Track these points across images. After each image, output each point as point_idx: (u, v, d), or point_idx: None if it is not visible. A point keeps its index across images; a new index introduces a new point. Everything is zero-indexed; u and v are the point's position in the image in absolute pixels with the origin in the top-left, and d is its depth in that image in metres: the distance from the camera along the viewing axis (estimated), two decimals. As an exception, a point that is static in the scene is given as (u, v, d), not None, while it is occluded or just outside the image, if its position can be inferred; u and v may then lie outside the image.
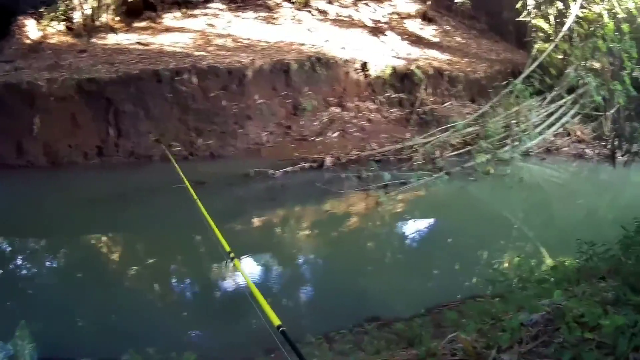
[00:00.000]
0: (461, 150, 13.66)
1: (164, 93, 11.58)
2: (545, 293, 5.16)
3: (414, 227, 11.04)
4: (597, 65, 16.54)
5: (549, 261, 9.03)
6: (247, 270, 6.38)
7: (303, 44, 14.83)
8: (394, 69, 15.56)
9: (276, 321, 3.72)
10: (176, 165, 8.73)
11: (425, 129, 14.38)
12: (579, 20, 15.91)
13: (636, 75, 16.67)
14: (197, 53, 12.87)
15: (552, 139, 15.66)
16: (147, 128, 11.57)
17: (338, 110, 14.34)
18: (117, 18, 14.88)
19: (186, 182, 7.80)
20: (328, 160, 12.18)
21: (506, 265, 9.26)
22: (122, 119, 11.36)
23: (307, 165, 11.88)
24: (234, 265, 5.21)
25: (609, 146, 16.63)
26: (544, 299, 4.75)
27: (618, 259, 5.50)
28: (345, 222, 10.72)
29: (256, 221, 10.49)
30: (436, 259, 9.30)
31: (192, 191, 7.47)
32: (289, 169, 11.48)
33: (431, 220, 11.44)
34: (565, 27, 15.89)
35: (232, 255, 5.23)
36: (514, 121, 14.71)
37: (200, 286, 8.09)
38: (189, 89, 11.67)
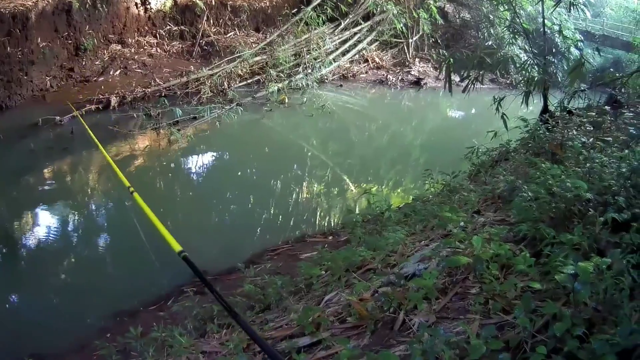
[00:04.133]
0: (250, 80, 15.85)
1: (-50, 45, 11.82)
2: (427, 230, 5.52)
3: (214, 166, 12.20)
4: None
5: (395, 198, 10.10)
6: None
7: (84, -19, 15.55)
8: (175, 1, 17.34)
9: (177, 247, 4.26)
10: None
11: (209, 61, 16.47)
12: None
13: (441, 4, 19.18)
14: (-17, 0, 13.21)
15: (348, 65, 18.34)
16: None
17: (119, 47, 16.05)
18: None
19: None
20: (113, 100, 13.60)
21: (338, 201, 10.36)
22: None
23: (92, 107, 13.21)
24: (134, 197, 5.78)
25: (411, 73, 19.19)
26: (418, 239, 5.19)
27: (490, 190, 5.97)
28: (139, 167, 11.59)
29: (50, 175, 11.14)
30: (246, 198, 10.28)
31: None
32: (75, 113, 12.64)
33: (232, 157, 12.65)
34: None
35: (131, 189, 6.00)
36: (305, 49, 17.09)
37: (5, 244, 8.40)
38: (-25, 39, 11.95)
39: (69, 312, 6.66)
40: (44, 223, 9.04)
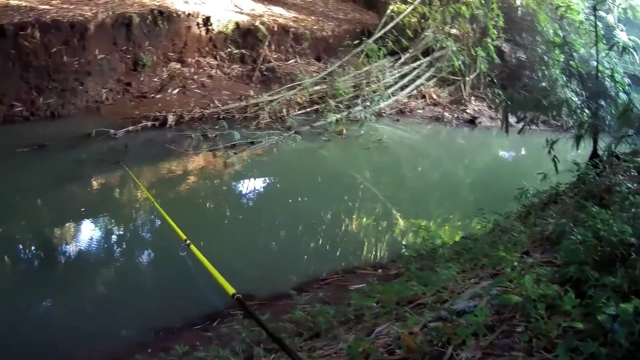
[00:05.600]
0: (308, 109, 15.44)
1: (7, 49, 12.08)
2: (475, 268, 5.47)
3: (267, 191, 11.95)
4: (456, 31, 18.74)
5: (448, 233, 9.84)
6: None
7: (146, -4, 15.55)
8: (237, 24, 17.09)
9: (230, 290, 4.23)
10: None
11: (268, 87, 16.11)
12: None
13: (497, 43, 18.60)
14: (41, 7, 13.38)
15: (406, 100, 17.83)
16: (-12, 87, 11.76)
17: (178, 65, 15.78)
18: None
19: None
20: (170, 118, 13.27)
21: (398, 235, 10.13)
22: (-37, 77, 11.46)
23: (149, 124, 12.87)
24: (191, 250, 5.74)
25: (466, 111, 18.58)
26: (468, 276, 5.14)
27: (540, 232, 5.93)
28: (192, 187, 11.41)
29: (98, 186, 10.95)
30: (296, 226, 10.07)
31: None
32: (130, 128, 12.40)
33: (285, 185, 12.37)
34: (426, -10, 17.51)
35: (188, 242, 5.83)
36: (364, 81, 16.71)
37: (46, 250, 8.34)
38: (31, 44, 12.23)
39: (107, 324, 6.52)
40: (87, 233, 8.92)
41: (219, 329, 5.92)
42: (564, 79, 11.47)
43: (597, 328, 3.12)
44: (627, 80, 11.38)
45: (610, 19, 14.42)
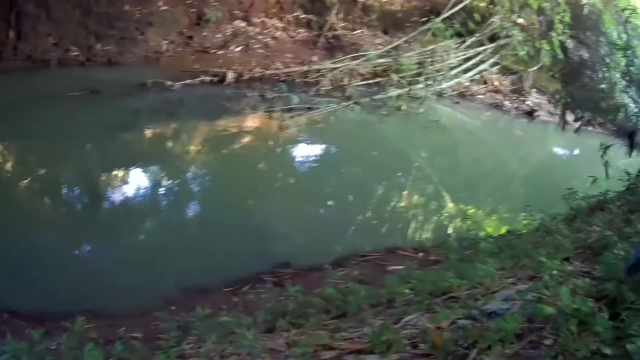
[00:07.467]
0: (370, 81, 14.57)
1: (67, -6, 11.62)
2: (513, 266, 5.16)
3: (320, 159, 11.42)
4: (522, 20, 17.56)
5: (490, 225, 9.40)
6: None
7: (215, -49, 15.12)
8: None
9: None
10: None
11: (332, 54, 15.32)
12: (512, -28, 17.04)
13: (562, 39, 18.99)
14: (104, -47, 12.94)
15: (468, 84, 16.77)
16: (47, 30, 11.72)
17: (243, 24, 15.06)
18: None
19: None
20: (230, 76, 12.65)
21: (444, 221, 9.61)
22: (23, 20, 11.45)
23: (207, 79, 12.34)
24: None
25: (526, 103, 17.68)
26: (507, 275, 4.79)
27: (583, 239, 5.56)
28: (245, 146, 10.96)
29: (150, 136, 10.65)
30: (344, 197, 9.62)
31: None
32: (188, 81, 11.91)
33: (339, 154, 11.86)
34: (498, -24, 16.90)
35: None
36: (429, 59, 15.72)
37: (91, 195, 8.27)
38: (92, -11, 11.74)
39: (136, 276, 6.45)
40: (133, 182, 8.75)
41: (247, 294, 5.48)
42: (624, 83, 11.17)
43: (624, 356, 2.92)
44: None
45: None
